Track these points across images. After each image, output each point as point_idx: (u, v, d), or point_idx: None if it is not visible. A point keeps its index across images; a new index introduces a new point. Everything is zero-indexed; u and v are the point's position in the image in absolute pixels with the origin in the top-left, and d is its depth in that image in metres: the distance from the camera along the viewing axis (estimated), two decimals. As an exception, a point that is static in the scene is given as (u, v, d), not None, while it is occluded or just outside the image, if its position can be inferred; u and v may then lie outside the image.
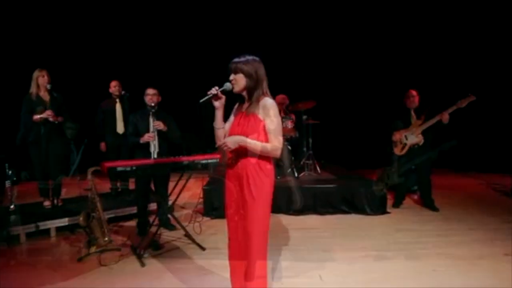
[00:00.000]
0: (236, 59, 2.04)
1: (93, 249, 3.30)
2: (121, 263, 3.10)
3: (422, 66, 7.30)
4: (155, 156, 3.51)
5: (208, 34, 7.59)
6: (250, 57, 2.05)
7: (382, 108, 7.08)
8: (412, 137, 4.50)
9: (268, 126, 1.99)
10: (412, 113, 4.57)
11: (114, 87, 4.76)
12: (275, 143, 1.98)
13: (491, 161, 7.20)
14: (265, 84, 2.07)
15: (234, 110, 2.18)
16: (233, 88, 2.05)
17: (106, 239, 3.37)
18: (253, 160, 2.03)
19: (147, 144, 3.58)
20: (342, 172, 5.69)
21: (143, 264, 3.04)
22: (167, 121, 3.69)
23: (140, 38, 7.42)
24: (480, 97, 4.23)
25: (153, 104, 3.63)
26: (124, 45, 7.35)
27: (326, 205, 4.53)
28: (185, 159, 3.24)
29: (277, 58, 6.71)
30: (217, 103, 2.05)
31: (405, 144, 4.53)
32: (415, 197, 5.29)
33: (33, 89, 4.01)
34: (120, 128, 4.73)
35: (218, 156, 3.61)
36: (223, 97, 2.06)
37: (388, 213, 4.51)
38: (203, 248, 3.39)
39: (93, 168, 3.31)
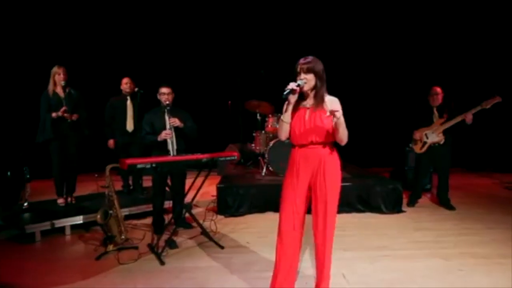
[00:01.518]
0: (305, 60, 2.19)
1: (110, 247, 3.26)
2: (140, 261, 3.07)
3: (437, 65, 7.21)
4: (175, 153, 3.47)
5: (220, 31, 7.54)
6: (315, 58, 2.20)
7: (395, 107, 7.05)
8: (433, 136, 4.43)
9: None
10: (435, 111, 4.48)
11: (125, 84, 4.70)
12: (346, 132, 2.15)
13: (504, 160, 7.15)
14: (325, 83, 2.23)
15: (286, 107, 2.26)
16: (303, 86, 2.18)
17: (123, 237, 3.34)
18: (327, 149, 2.22)
19: (164, 142, 3.54)
20: (355, 170, 5.65)
21: (162, 263, 3.00)
22: (183, 117, 3.65)
23: (151, 35, 7.39)
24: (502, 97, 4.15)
25: (168, 102, 3.59)
26: (136, 41, 7.31)
27: (341, 203, 4.43)
28: (204, 157, 3.21)
29: (291, 56, 6.67)
30: (293, 99, 2.18)
31: (425, 142, 4.47)
32: (428, 195, 5.26)
33: (50, 86, 4.00)
34: (129, 126, 4.68)
35: (236, 154, 3.59)
36: (298, 93, 2.19)
37: (404, 211, 4.47)
38: (221, 247, 3.36)
39: (112, 165, 3.28)
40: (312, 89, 2.21)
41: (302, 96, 2.24)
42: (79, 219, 3.79)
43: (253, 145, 5.79)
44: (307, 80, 2.16)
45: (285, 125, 2.24)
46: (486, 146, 7.27)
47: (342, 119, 2.08)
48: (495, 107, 4.14)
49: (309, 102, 2.24)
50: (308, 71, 2.16)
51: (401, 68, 7.40)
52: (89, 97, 4.70)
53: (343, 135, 2.12)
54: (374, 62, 7.49)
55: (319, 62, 2.19)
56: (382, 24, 7.29)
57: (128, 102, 4.69)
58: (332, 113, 2.00)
